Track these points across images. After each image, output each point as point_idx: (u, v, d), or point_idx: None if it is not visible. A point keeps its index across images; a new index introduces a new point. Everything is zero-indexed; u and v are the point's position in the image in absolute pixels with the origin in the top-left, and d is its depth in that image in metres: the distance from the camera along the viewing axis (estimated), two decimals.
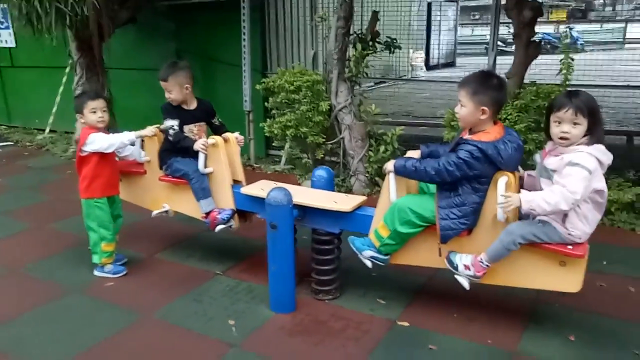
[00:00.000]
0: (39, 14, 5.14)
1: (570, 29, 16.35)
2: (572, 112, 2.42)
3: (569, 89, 4.47)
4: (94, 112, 3.43)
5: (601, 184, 2.46)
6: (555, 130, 2.48)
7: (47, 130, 8.27)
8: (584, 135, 2.43)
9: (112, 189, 3.64)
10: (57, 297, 3.37)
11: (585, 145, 2.42)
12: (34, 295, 3.40)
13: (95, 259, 3.60)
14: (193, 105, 3.63)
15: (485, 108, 2.57)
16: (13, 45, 8.53)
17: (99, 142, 3.40)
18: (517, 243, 2.56)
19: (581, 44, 15.71)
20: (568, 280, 2.62)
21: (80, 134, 3.51)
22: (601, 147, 2.44)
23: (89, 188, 3.50)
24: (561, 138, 2.46)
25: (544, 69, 6.28)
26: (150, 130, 3.59)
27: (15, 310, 3.22)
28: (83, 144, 3.41)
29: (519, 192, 2.54)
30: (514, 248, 2.57)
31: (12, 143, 8.07)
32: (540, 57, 4.85)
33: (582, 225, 2.51)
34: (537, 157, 2.69)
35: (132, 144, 3.62)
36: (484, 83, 2.61)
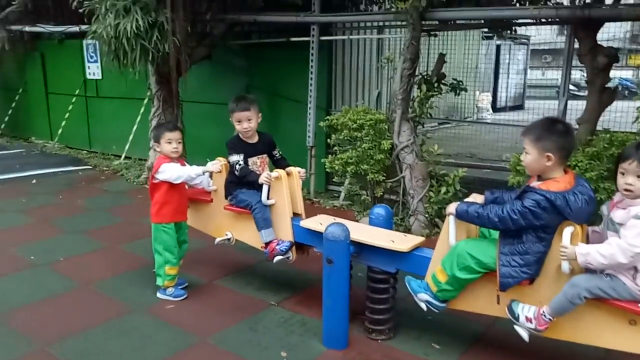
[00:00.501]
0: (126, 50, 5.58)
1: None
2: (637, 164, 2.32)
3: None
4: (169, 142, 3.65)
5: None
6: (620, 181, 2.40)
7: (123, 156, 8.81)
8: None
9: (180, 216, 3.82)
10: (123, 315, 3.54)
11: None
12: (101, 311, 3.59)
13: (159, 281, 3.76)
14: (255, 138, 3.78)
15: (550, 154, 2.50)
16: (100, 77, 9.26)
17: (169, 172, 3.61)
18: (582, 297, 2.43)
19: None
20: (638, 340, 2.46)
21: (154, 162, 3.74)
22: None
23: (159, 213, 3.70)
24: (626, 190, 2.36)
25: (621, 115, 6.03)
26: (216, 166, 3.74)
27: (84, 323, 3.41)
28: (155, 172, 3.64)
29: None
30: (579, 302, 2.44)
31: (90, 167, 8.65)
32: (617, 103, 4.68)
33: None
34: (604, 208, 2.57)
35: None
36: (548, 129, 2.55)
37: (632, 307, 2.40)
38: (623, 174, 2.38)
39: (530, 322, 2.59)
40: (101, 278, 4.12)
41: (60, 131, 10.19)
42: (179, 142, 3.69)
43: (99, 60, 9.03)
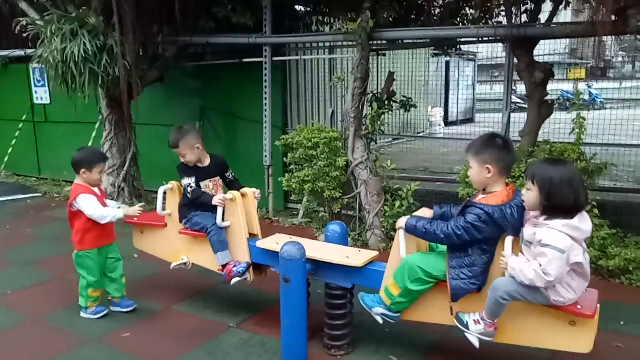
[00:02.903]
0: (74, 74, 5.48)
1: (589, 86, 16.48)
2: (525, 176, 2.55)
3: (581, 147, 4.55)
4: (100, 172, 3.70)
5: (579, 258, 2.45)
6: None
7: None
8: (547, 209, 2.43)
9: (105, 239, 3.83)
10: (76, 347, 3.43)
11: (558, 220, 2.40)
12: (53, 345, 3.47)
13: (82, 302, 3.81)
14: (207, 162, 3.79)
15: (489, 167, 2.65)
16: (48, 102, 9.01)
17: (92, 210, 3.60)
18: (503, 298, 2.57)
19: (601, 102, 15.79)
20: (579, 340, 2.60)
21: (72, 189, 3.71)
22: (573, 222, 2.41)
23: (82, 241, 3.71)
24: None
25: (559, 127, 6.34)
26: (135, 210, 3.74)
27: (33, 359, 3.28)
28: (74, 200, 3.63)
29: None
30: (503, 302, 2.58)
31: (40, 194, 8.35)
32: (559, 115, 4.94)
33: (567, 293, 2.51)
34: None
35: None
36: (486, 143, 2.71)
37: (571, 309, 2.54)
38: None
39: (479, 323, 2.71)
40: (51, 310, 3.98)
41: (7, 158, 9.81)
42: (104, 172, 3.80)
43: (46, 85, 8.80)
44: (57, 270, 4.86)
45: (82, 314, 3.84)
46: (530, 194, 2.49)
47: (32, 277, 4.73)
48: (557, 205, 2.42)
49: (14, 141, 9.59)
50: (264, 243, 3.46)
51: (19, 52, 8.41)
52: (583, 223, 2.44)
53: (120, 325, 3.71)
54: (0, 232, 6.25)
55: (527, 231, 2.54)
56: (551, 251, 2.38)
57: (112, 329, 3.66)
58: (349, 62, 7.09)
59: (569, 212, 2.41)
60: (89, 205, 3.60)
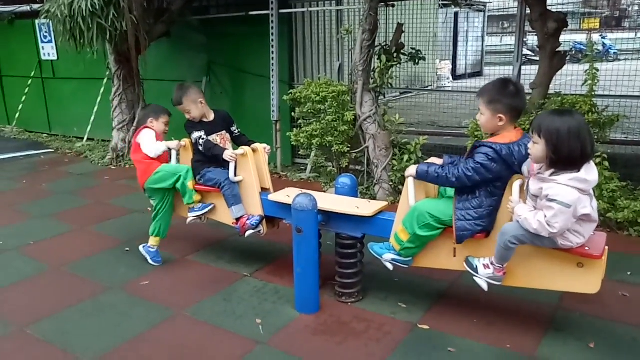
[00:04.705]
0: (82, 29, 5.46)
1: (603, 37, 16.07)
2: (531, 129, 2.49)
3: (593, 99, 4.53)
4: (166, 124, 3.97)
5: (587, 209, 2.45)
6: None
7: (85, 138, 8.66)
8: (553, 162, 2.41)
9: None
10: (98, 294, 3.60)
11: (565, 174, 2.39)
12: (77, 292, 3.63)
13: (187, 199, 3.82)
14: (211, 117, 3.86)
15: (501, 115, 2.65)
16: (55, 58, 8.99)
17: (146, 143, 3.85)
18: (511, 242, 2.60)
19: (615, 53, 15.44)
20: (586, 281, 2.64)
21: (137, 131, 3.98)
22: (580, 175, 2.39)
23: (150, 168, 3.87)
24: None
25: (571, 79, 6.26)
26: (174, 143, 3.92)
27: (60, 304, 3.45)
28: (139, 134, 3.91)
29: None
30: (511, 246, 2.63)
31: (52, 150, 8.48)
32: (572, 67, 4.85)
33: (575, 238, 2.54)
34: (525, 169, 2.66)
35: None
36: (500, 91, 2.68)
37: (580, 251, 2.57)
38: None
39: (488, 267, 2.78)
40: (73, 259, 4.14)
41: (17, 115, 9.91)
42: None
43: (53, 41, 8.76)
44: (76, 222, 5.02)
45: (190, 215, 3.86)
46: (536, 147, 2.46)
47: (52, 228, 4.88)
48: (564, 158, 2.38)
49: (23, 98, 9.64)
50: (276, 196, 3.54)
51: (25, 8, 8.33)
52: (590, 174, 2.42)
53: (138, 274, 3.86)
54: (18, 187, 6.41)
55: (533, 186, 2.53)
56: (557, 206, 2.38)
57: (132, 277, 3.81)
58: (356, 13, 6.98)
59: (575, 164, 2.40)
60: (147, 138, 3.86)
